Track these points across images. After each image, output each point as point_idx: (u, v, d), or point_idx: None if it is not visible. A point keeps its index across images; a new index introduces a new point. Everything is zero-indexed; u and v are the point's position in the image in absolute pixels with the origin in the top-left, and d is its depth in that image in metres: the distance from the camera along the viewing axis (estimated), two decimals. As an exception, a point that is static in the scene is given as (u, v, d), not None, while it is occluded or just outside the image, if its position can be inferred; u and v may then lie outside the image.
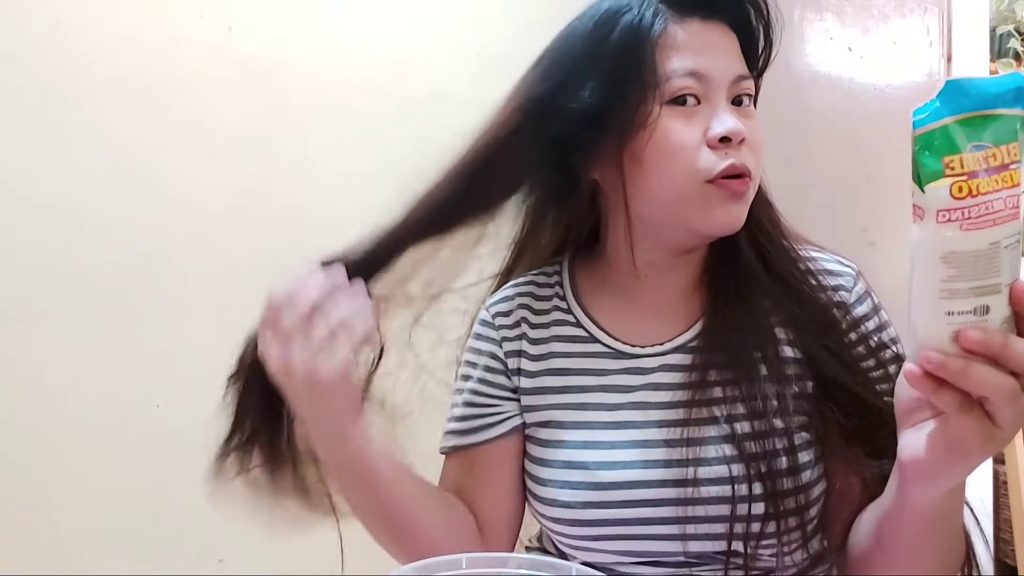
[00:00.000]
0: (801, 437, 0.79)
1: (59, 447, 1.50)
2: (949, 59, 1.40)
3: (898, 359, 0.81)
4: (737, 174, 0.77)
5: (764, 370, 0.80)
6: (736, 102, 0.79)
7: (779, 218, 0.87)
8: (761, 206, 0.84)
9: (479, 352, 0.91)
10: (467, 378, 0.91)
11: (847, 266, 0.87)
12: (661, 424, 0.80)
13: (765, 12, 0.82)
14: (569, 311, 0.89)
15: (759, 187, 0.83)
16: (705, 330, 0.84)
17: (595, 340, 0.87)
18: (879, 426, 0.74)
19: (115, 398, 1.53)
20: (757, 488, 0.76)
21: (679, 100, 0.77)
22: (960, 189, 0.53)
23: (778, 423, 0.78)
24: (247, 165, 1.62)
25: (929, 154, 0.54)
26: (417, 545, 0.80)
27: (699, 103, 0.78)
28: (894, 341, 0.83)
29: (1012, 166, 0.54)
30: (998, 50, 1.77)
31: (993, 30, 1.73)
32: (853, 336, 0.82)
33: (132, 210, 1.55)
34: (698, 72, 0.77)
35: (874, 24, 1.46)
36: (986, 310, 0.54)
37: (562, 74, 0.79)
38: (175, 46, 1.57)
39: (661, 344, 0.85)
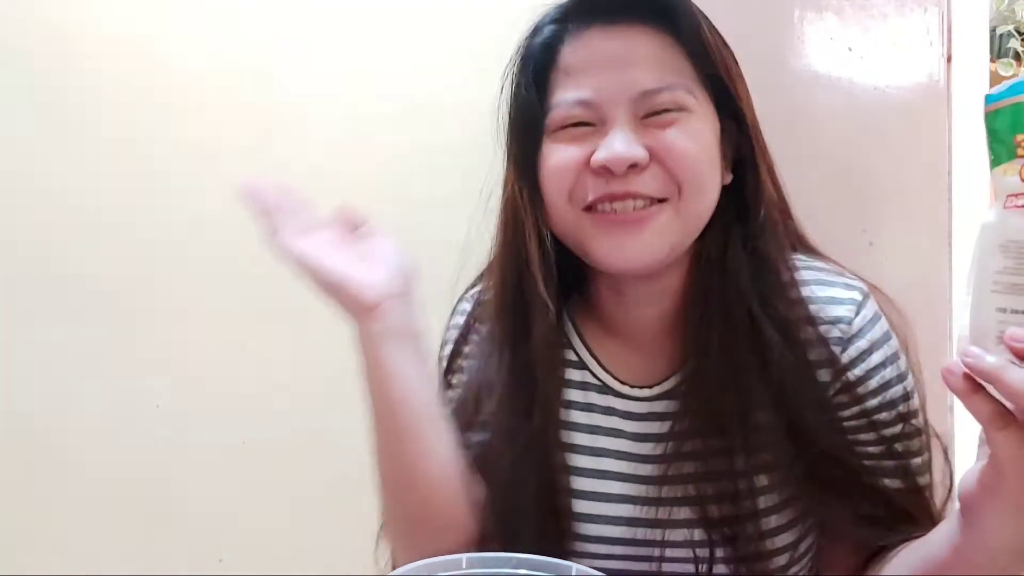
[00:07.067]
0: (784, 517, 0.72)
1: (59, 447, 1.50)
2: (949, 59, 1.40)
3: (903, 419, 0.72)
4: (615, 199, 0.67)
5: (742, 439, 0.72)
6: (657, 112, 0.69)
7: (787, 258, 0.74)
8: (768, 231, 0.73)
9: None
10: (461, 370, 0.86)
11: (852, 291, 0.76)
12: (634, 498, 0.74)
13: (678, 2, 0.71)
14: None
15: (768, 204, 0.73)
16: (687, 377, 0.75)
17: (585, 367, 0.78)
18: (885, 506, 0.66)
19: (115, 398, 1.53)
20: (722, 569, 0.71)
21: (570, 124, 0.71)
22: None
23: (751, 505, 0.71)
24: (247, 165, 1.62)
25: (999, 133, 0.48)
26: (412, 496, 0.72)
27: (594, 126, 0.70)
28: (903, 399, 0.74)
29: None
30: (998, 50, 1.77)
31: (993, 30, 1.73)
32: (846, 399, 0.74)
33: (131, 210, 1.55)
34: (587, 100, 0.69)
35: (874, 24, 1.46)
36: None
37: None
38: (174, 46, 1.57)
39: (650, 387, 0.76)
